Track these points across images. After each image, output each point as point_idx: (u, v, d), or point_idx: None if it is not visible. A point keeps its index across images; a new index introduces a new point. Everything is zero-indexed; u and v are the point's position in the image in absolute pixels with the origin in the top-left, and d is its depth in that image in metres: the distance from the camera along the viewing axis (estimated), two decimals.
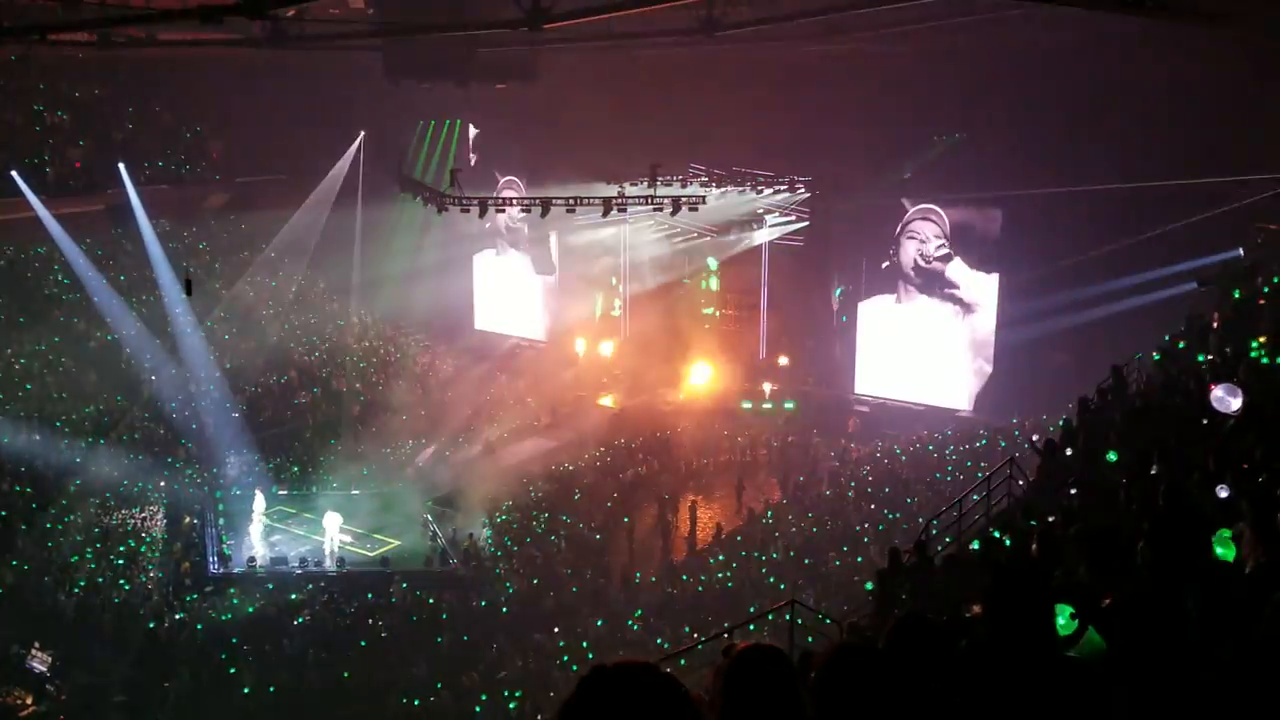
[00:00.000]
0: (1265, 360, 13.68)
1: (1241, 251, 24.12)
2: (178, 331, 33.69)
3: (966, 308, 34.92)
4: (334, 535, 27.64)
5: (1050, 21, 25.13)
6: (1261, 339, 14.92)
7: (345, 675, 22.17)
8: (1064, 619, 4.01)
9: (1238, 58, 24.68)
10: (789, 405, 37.39)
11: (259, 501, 28.71)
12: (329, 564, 27.08)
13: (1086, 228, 30.70)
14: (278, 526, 28.95)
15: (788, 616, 12.73)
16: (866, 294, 37.18)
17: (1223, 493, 7.20)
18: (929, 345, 35.85)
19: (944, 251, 35.12)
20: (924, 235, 35.55)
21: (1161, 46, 24.87)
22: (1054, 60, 28.48)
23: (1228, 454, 9.11)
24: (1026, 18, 24.93)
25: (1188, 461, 10.32)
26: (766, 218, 37.82)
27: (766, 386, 38.08)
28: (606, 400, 39.28)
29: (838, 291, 37.77)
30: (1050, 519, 10.81)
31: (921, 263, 35.60)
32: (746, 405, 37.59)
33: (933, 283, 35.61)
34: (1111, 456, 10.34)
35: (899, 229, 35.88)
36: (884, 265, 36.41)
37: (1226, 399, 8.35)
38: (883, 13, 24.69)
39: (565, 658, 22.82)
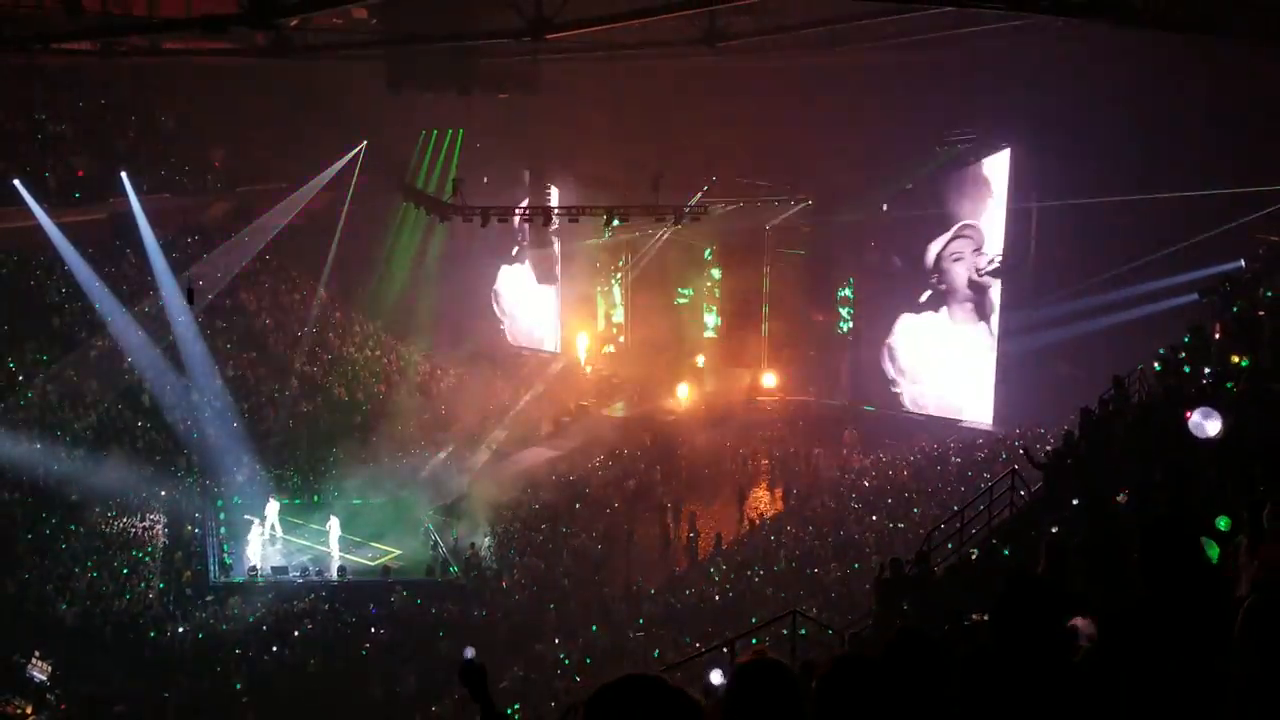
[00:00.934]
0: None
1: (1243, 263, 24.10)
2: (179, 340, 33.67)
3: (971, 317, 34.89)
4: (335, 540, 27.71)
5: (1054, 33, 25.18)
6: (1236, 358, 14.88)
7: (345, 684, 22.12)
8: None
9: (1242, 68, 24.72)
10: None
11: (272, 509, 28.71)
12: (333, 568, 27.06)
13: (1090, 239, 30.71)
14: (278, 536, 28.89)
15: (789, 629, 12.72)
16: (866, 303, 37.26)
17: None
18: (932, 356, 35.86)
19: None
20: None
21: (1165, 58, 24.90)
22: (1058, 72, 28.49)
23: (1227, 465, 9.10)
24: (1030, 29, 24.95)
25: (1188, 473, 10.31)
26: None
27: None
28: (609, 410, 39.27)
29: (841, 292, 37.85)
30: (1054, 529, 10.79)
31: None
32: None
33: (941, 293, 35.57)
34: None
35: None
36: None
37: (1203, 424, 8.24)
38: (884, 23, 24.74)
39: (567, 665, 22.80)
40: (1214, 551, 4.78)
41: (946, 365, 35.77)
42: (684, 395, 38.94)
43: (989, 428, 34.18)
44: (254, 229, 38.90)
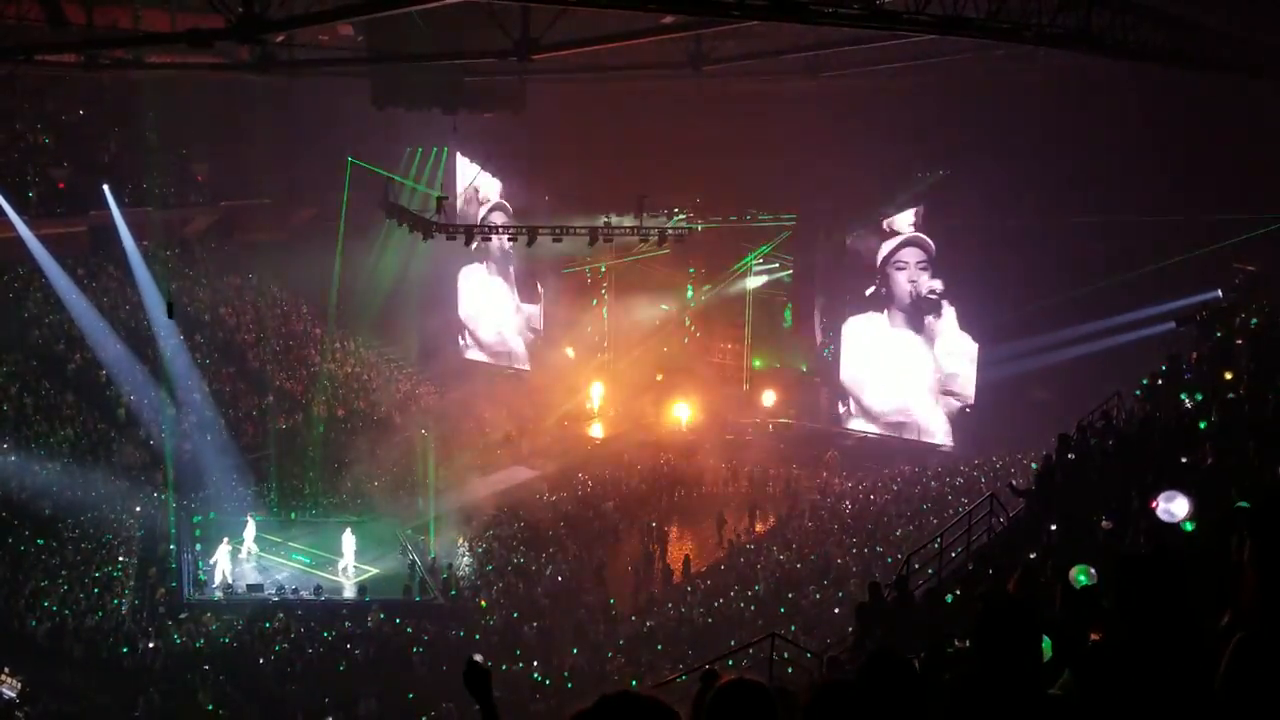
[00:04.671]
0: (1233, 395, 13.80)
1: (1220, 292, 24.36)
2: (159, 355, 33.46)
3: (948, 341, 35.08)
4: (350, 555, 27.58)
5: (1033, 61, 25.45)
6: (1228, 375, 15.04)
7: (320, 703, 21.91)
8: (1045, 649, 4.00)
9: (1216, 99, 25.04)
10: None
11: (250, 528, 28.53)
12: (349, 586, 26.92)
13: (1069, 265, 30.97)
14: (254, 554, 28.61)
15: (767, 652, 12.67)
16: (850, 327, 37.39)
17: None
18: (910, 380, 36.02)
19: (934, 283, 35.37)
20: (910, 263, 35.82)
21: (1143, 87, 25.21)
22: (1037, 100, 28.78)
23: (1206, 491, 9.15)
24: (1010, 57, 25.22)
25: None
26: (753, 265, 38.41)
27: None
28: (589, 430, 39.22)
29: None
30: (1032, 555, 10.84)
31: (910, 293, 35.82)
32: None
33: (916, 316, 35.82)
34: None
35: (886, 257, 36.10)
36: (868, 293, 36.66)
37: (1169, 509, 8.23)
38: (868, 50, 24.90)
39: (545, 685, 22.67)
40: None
41: (886, 369, 36.37)
42: (683, 417, 38.98)
43: (966, 450, 34.33)
44: (235, 243, 38.79)
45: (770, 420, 38.57)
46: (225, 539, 27.47)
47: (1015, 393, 32.03)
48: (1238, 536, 4.64)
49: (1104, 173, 28.67)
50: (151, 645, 23.60)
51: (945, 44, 23.92)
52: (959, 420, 35.23)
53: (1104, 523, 10.59)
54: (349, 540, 27.89)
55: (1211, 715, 3.32)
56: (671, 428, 38.67)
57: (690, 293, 40.50)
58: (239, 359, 36.47)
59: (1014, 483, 16.65)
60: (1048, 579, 7.78)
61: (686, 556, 29.95)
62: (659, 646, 24.46)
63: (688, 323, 41.10)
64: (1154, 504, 8.44)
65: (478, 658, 3.75)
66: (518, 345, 44.32)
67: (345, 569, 27.66)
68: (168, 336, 33.41)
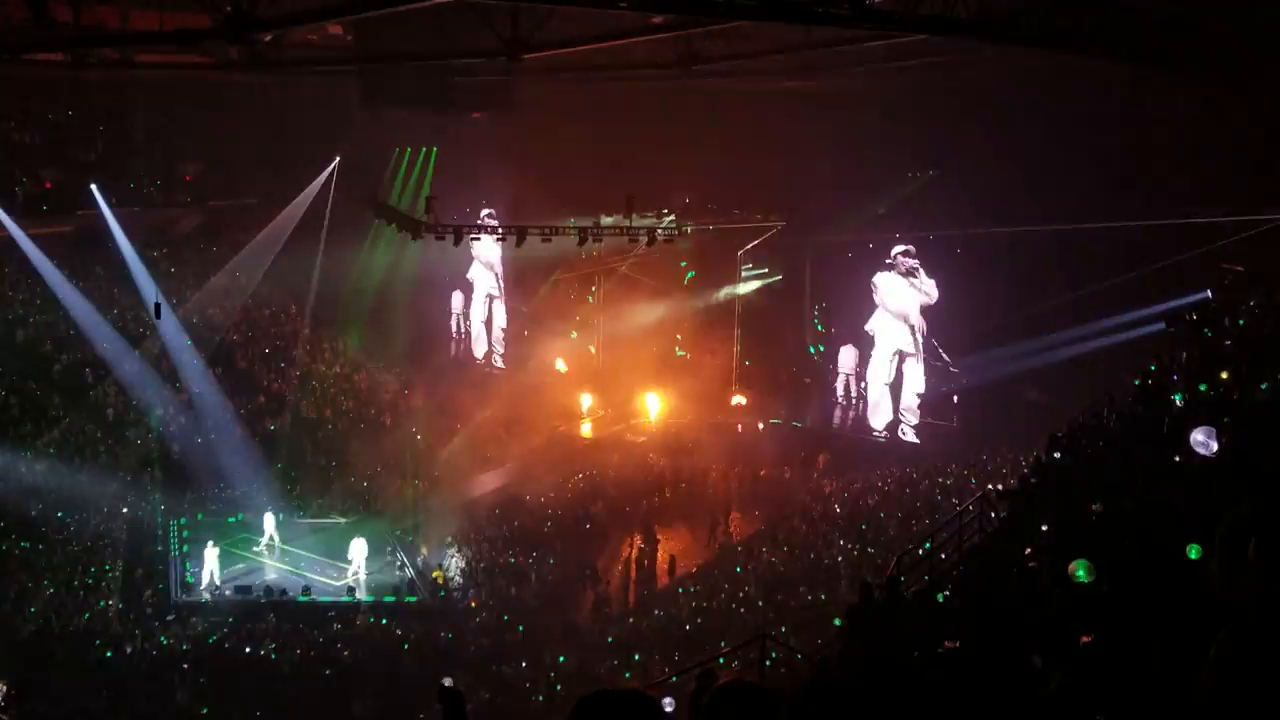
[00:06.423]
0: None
1: (1210, 293, 24.43)
2: (147, 356, 33.29)
3: (939, 342, 35.13)
4: (361, 562, 27.42)
5: (1022, 62, 25.47)
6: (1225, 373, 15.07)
7: (308, 706, 21.82)
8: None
9: (1205, 100, 25.12)
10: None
11: (269, 521, 28.51)
12: (360, 591, 26.81)
13: (1060, 266, 31.01)
14: (276, 547, 28.55)
15: (758, 653, 12.67)
16: (842, 326, 37.47)
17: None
18: (902, 381, 36.08)
19: (924, 283, 35.42)
20: (900, 264, 35.89)
21: (1130, 87, 25.28)
22: (1028, 101, 28.81)
23: (1197, 492, 9.15)
24: (999, 58, 25.24)
25: (1158, 499, 10.36)
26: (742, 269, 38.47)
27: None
28: (579, 431, 39.16)
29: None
30: (1027, 550, 10.83)
31: (901, 294, 35.88)
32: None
33: (906, 316, 35.87)
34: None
35: (877, 258, 36.16)
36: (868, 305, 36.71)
37: (1207, 442, 8.36)
38: (859, 50, 24.93)
39: (534, 685, 22.63)
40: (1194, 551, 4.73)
41: (878, 370, 36.82)
42: (673, 411, 39.00)
43: (957, 451, 34.33)
44: (223, 243, 38.64)
45: (761, 422, 38.55)
46: (210, 542, 27.26)
47: (1007, 393, 32.07)
48: (1222, 532, 4.60)
49: (1095, 174, 28.72)
50: (138, 647, 23.47)
51: (934, 44, 24.01)
52: (951, 421, 35.23)
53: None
54: (358, 546, 27.60)
55: (1199, 709, 3.29)
56: (662, 429, 38.61)
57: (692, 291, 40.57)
58: (227, 360, 36.26)
59: (1006, 485, 16.69)
60: (1044, 581, 7.77)
61: (672, 557, 29.85)
62: (649, 648, 24.39)
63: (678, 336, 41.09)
64: (1193, 432, 8.52)
65: (447, 682, 3.78)
66: (508, 346, 44.18)
67: (354, 574, 27.45)
68: (155, 337, 33.24)
